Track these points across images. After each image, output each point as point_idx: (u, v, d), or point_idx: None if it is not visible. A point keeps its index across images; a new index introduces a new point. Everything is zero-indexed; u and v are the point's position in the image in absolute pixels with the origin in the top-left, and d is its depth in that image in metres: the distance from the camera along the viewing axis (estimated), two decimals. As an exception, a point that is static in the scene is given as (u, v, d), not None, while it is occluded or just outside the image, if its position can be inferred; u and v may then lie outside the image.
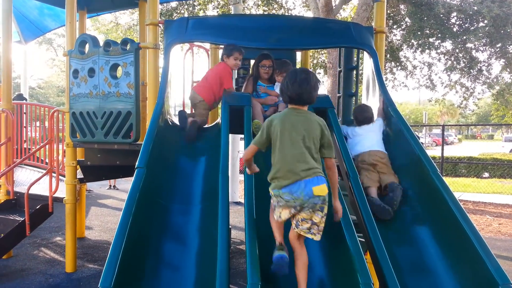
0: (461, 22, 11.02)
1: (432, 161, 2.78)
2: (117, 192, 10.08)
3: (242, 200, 9.33)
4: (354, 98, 4.86)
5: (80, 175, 4.82)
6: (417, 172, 2.87)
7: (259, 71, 4.01)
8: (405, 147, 3.03)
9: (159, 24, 4.02)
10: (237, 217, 7.23)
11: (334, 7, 10.96)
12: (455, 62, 11.75)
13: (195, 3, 13.67)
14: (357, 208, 2.66)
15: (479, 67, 11.57)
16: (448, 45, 11.73)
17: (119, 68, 4.26)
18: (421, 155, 2.83)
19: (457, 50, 11.59)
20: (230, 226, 2.66)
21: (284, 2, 14.66)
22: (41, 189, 4.95)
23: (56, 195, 4.69)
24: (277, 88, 3.85)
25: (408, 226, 2.68)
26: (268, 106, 3.80)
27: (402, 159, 3.07)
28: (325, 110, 3.33)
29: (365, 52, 4.21)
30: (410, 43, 12.28)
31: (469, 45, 11.08)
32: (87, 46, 4.40)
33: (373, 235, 2.43)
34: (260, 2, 14.14)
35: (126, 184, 10.76)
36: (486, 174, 15.49)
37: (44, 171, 4.86)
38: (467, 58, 11.68)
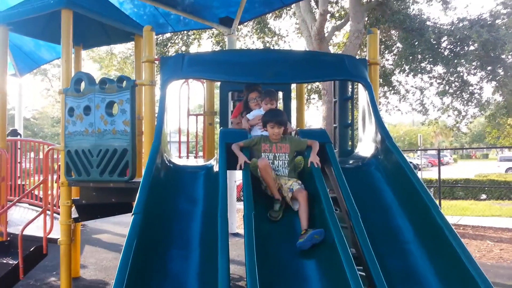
0: (452, 46, 11.24)
1: (433, 198, 2.75)
2: (113, 226, 9.90)
3: (240, 231, 9.21)
4: (350, 128, 4.86)
5: (74, 214, 4.73)
6: (418, 209, 2.82)
7: (249, 106, 4.08)
8: (404, 183, 3.00)
9: (155, 61, 4.04)
10: (235, 249, 7.08)
11: (326, 34, 11.15)
12: (447, 86, 11.92)
13: (190, 33, 13.87)
14: (357, 243, 2.60)
15: (470, 90, 11.74)
16: (439, 69, 11.94)
17: (115, 105, 4.25)
18: (421, 192, 2.79)
19: (448, 74, 11.78)
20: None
21: (278, 30, 14.92)
22: (36, 228, 4.83)
23: (50, 235, 4.59)
24: None
25: (410, 264, 2.62)
26: None
27: (402, 195, 3.04)
28: (322, 145, 3.31)
29: (360, 84, 4.26)
30: (402, 68, 12.47)
31: (460, 68, 11.26)
32: (82, 84, 4.40)
33: (374, 269, 2.37)
34: (253, 31, 14.37)
35: (121, 217, 10.62)
36: (484, 196, 15.46)
37: (38, 209, 4.78)
38: (458, 82, 11.86)
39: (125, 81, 4.18)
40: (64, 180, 4.43)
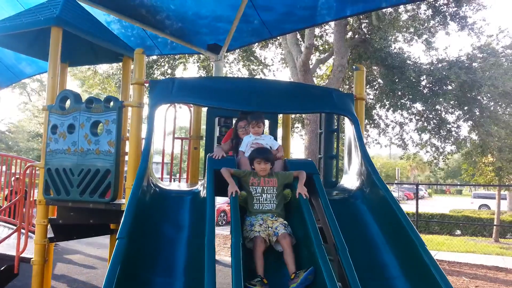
0: (431, 85, 11.63)
1: (419, 235, 2.78)
2: (85, 247, 9.59)
3: (219, 258, 9.02)
4: (335, 160, 4.92)
5: (50, 233, 4.57)
6: (403, 245, 2.85)
7: (238, 133, 4.09)
8: (390, 217, 3.03)
9: (144, 84, 4.03)
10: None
11: (311, 66, 11.41)
12: (425, 123, 12.26)
13: (176, 57, 13.95)
14: (343, 277, 2.59)
15: (448, 128, 12.10)
16: (418, 106, 12.29)
17: (101, 125, 4.20)
18: (408, 227, 2.83)
19: (427, 112, 12.14)
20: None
21: (263, 59, 15.18)
22: (7, 246, 4.64)
23: (23, 254, 4.40)
24: (268, 139, 3.84)
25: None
26: None
27: (388, 229, 3.06)
28: (310, 175, 3.33)
29: (346, 118, 4.34)
30: (383, 103, 12.79)
31: (438, 106, 11.63)
32: (68, 101, 4.34)
33: None
34: (240, 58, 14.57)
35: (95, 238, 10.30)
36: (458, 232, 15.73)
37: (10, 226, 4.59)
38: (436, 119, 12.22)
39: (112, 102, 4.14)
40: (41, 198, 4.30)
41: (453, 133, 11.91)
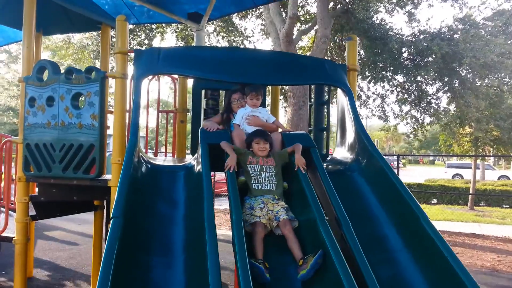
0: (412, 57, 11.61)
1: (421, 206, 2.75)
2: (66, 223, 9.36)
3: (219, 231, 8.90)
4: (325, 132, 4.83)
5: (31, 211, 4.37)
6: (404, 217, 2.82)
7: (231, 107, 3.82)
8: (389, 189, 2.99)
9: (128, 53, 3.80)
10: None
11: (294, 37, 11.17)
12: (406, 95, 12.32)
13: (153, 26, 13.43)
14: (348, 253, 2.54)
15: (428, 100, 12.20)
16: (400, 78, 12.30)
17: (82, 97, 3.97)
18: (408, 199, 2.79)
19: (408, 83, 12.17)
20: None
21: (243, 30, 14.80)
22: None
23: (4, 233, 4.22)
24: (265, 112, 3.67)
25: (400, 273, 2.60)
26: None
27: (388, 201, 3.02)
28: (307, 149, 3.24)
29: (338, 89, 4.24)
30: (365, 75, 12.74)
31: (419, 78, 11.66)
32: (45, 72, 4.07)
33: (369, 279, 2.31)
34: (219, 29, 14.16)
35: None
36: (435, 201, 16.20)
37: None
38: (417, 91, 12.29)
39: (94, 72, 3.91)
40: (22, 175, 4.08)
41: (433, 104, 12.02)
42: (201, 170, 2.84)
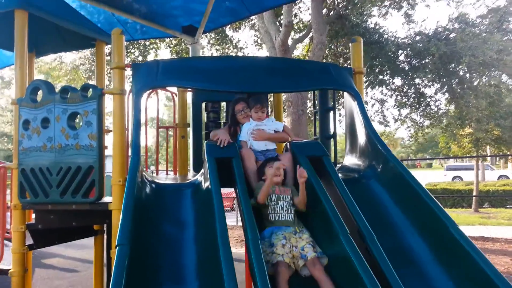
0: (409, 59, 11.53)
1: (448, 214, 2.56)
2: (64, 249, 9.06)
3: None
4: (332, 140, 4.65)
5: (28, 240, 4.15)
6: (431, 226, 2.63)
7: (236, 119, 3.57)
8: (411, 197, 2.81)
9: (126, 68, 3.63)
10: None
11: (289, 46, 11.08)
12: (405, 98, 12.21)
13: (146, 43, 13.33)
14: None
15: (427, 102, 12.10)
16: (397, 81, 12.21)
17: (79, 117, 3.78)
18: (434, 207, 2.60)
19: (406, 86, 12.08)
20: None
21: (237, 41, 14.73)
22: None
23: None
24: (271, 123, 3.45)
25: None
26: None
27: (410, 210, 2.83)
28: (319, 158, 3.06)
29: (345, 93, 4.08)
30: (362, 80, 12.64)
31: (418, 80, 11.56)
32: (40, 93, 3.89)
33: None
34: (213, 42, 14.08)
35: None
36: (439, 204, 15.97)
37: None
38: (416, 94, 12.19)
39: (91, 90, 3.73)
40: (17, 202, 3.86)
41: (432, 106, 11.90)
42: (209, 186, 2.64)
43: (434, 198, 2.68)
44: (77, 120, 3.84)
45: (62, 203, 3.66)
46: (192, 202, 2.84)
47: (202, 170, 3.13)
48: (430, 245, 2.58)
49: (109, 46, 4.57)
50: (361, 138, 3.63)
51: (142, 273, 2.21)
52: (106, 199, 3.66)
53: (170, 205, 2.81)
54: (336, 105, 4.85)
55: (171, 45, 13.42)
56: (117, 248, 2.06)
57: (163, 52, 13.82)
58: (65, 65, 13.66)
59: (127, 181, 2.54)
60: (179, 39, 12.88)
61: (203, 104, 4.89)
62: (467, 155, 13.76)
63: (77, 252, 8.99)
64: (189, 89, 4.82)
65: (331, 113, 4.69)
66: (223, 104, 5.06)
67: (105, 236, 5.00)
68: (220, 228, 2.24)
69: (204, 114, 4.93)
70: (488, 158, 32.90)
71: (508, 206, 15.22)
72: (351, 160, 3.81)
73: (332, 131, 4.65)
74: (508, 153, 13.12)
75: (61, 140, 3.70)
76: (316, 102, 4.81)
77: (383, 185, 3.12)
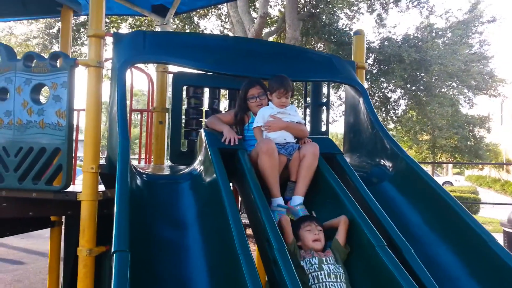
0: (378, 63, 11.60)
1: (478, 221, 2.33)
2: (7, 237, 8.15)
3: None
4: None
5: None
6: (458, 235, 2.39)
7: (247, 105, 2.90)
8: (433, 201, 2.56)
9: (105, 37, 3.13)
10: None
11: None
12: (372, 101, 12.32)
13: (107, 20, 12.43)
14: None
15: (391, 106, 12.27)
16: (365, 84, 12.27)
17: (46, 90, 3.21)
18: (461, 212, 2.37)
19: (372, 91, 12.17)
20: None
21: (203, 29, 14.18)
22: None
23: None
24: (294, 112, 2.84)
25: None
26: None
27: (433, 215, 2.58)
28: (333, 156, 2.74)
29: (347, 89, 3.81)
30: (329, 80, 12.59)
31: (385, 84, 11.66)
32: (-4, 59, 3.27)
33: None
34: (179, 28, 13.42)
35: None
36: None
37: None
38: (379, 97, 12.32)
39: (61, 59, 3.17)
40: (-37, 187, 3.22)
41: (397, 111, 12.09)
42: (213, 180, 2.24)
43: (460, 204, 2.44)
44: (43, 94, 3.27)
45: (20, 189, 3.09)
46: (193, 198, 2.40)
47: (199, 159, 2.68)
48: (460, 257, 2.30)
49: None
50: (367, 136, 3.36)
51: (145, 284, 1.76)
52: (75, 187, 3.15)
53: (166, 201, 2.33)
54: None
55: (134, 26, 12.61)
56: (114, 255, 1.61)
57: (124, 31, 12.93)
58: (14, 37, 12.41)
59: (118, 171, 2.06)
60: (143, 19, 12.13)
61: (184, 89, 4.41)
62: (424, 160, 14.16)
63: (21, 241, 8.09)
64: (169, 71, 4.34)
65: (324, 108, 4.42)
66: (206, 90, 4.61)
67: (63, 228, 4.41)
68: (239, 240, 1.80)
69: (185, 100, 4.45)
70: (429, 166, 34.60)
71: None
72: (352, 160, 3.53)
73: (324, 128, 4.37)
74: (461, 161, 13.64)
75: (22, 116, 3.14)
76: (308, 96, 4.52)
77: (398, 187, 2.84)
